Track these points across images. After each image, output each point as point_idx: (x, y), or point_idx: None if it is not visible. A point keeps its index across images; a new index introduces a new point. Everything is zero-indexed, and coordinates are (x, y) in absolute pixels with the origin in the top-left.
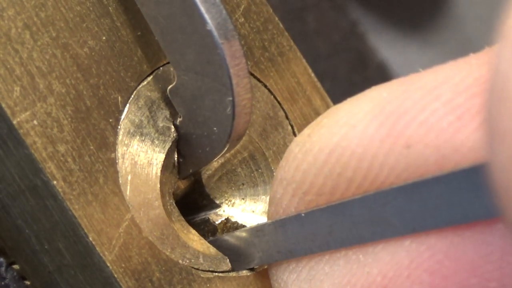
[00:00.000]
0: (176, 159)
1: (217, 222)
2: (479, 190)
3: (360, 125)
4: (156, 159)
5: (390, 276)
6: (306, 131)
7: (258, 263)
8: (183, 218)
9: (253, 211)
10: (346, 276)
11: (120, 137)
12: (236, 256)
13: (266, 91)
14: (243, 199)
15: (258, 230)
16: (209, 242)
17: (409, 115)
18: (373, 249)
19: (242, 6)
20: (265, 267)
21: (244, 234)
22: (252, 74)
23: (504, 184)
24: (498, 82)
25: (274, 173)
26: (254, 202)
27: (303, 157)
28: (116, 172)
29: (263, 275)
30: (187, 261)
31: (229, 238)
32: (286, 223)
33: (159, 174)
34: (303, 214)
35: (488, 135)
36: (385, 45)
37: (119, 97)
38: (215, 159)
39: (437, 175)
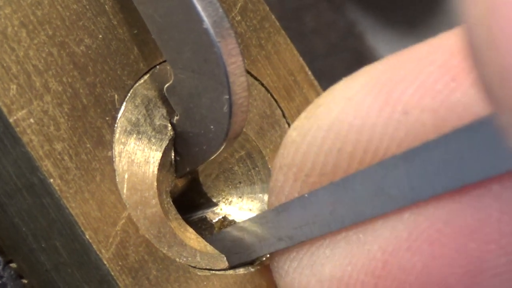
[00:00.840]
0: (173, 157)
1: (214, 221)
2: (477, 149)
3: (357, 97)
4: (153, 157)
5: (390, 250)
6: (303, 114)
7: (259, 253)
8: (180, 217)
9: (250, 210)
10: (347, 256)
11: (117, 135)
12: (238, 248)
13: (263, 89)
14: (240, 197)
15: (261, 217)
16: (211, 237)
17: (405, 82)
18: (373, 226)
19: (239, 4)
20: (262, 261)
21: (247, 223)
22: (249, 72)
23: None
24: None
25: (272, 165)
26: (251, 200)
27: (301, 139)
28: (113, 170)
29: (260, 273)
30: (184, 259)
31: (230, 229)
32: (289, 206)
33: (156, 172)
34: (306, 195)
35: (479, 62)
36: (383, 45)
37: (116, 96)
38: (212, 158)
39: (434, 139)
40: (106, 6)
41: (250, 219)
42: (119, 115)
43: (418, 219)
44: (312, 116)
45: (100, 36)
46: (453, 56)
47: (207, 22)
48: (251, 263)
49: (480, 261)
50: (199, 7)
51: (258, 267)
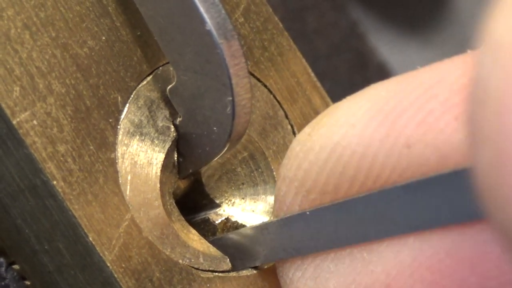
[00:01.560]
0: (176, 158)
1: (217, 222)
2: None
3: (359, 124)
4: (156, 159)
5: (394, 274)
6: (307, 129)
7: (263, 260)
8: (183, 218)
9: (253, 211)
10: (351, 274)
11: (119, 137)
12: (241, 254)
13: (266, 90)
14: (243, 198)
15: (263, 228)
16: (213, 240)
17: (407, 115)
18: (378, 247)
19: (242, 6)
20: (265, 267)
21: (249, 231)
22: (251, 74)
23: (487, 187)
24: (479, 86)
25: (275, 172)
26: (254, 201)
27: (304, 156)
28: (116, 172)
29: (264, 275)
30: (187, 260)
31: (234, 235)
32: (291, 221)
33: (159, 173)
34: (308, 213)
35: (470, 139)
36: (385, 45)
37: (119, 97)
38: (215, 159)
39: (438, 174)
40: (109, 8)
41: (252, 228)
42: (122, 116)
43: (422, 246)
44: (316, 135)
45: (103, 37)
46: (455, 93)
47: (209, 23)
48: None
49: None
50: (202, 9)
51: (262, 270)
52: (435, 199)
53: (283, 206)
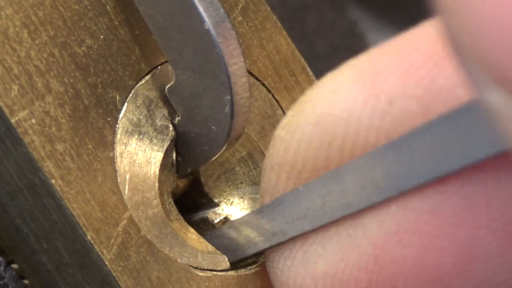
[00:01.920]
0: (174, 158)
1: (215, 221)
2: (463, 135)
3: (342, 90)
4: (154, 158)
5: (380, 244)
6: (290, 112)
7: (254, 249)
8: (181, 217)
9: (252, 210)
10: (338, 253)
11: (118, 136)
12: (235, 245)
13: (264, 89)
14: (241, 197)
15: (257, 212)
16: (209, 235)
17: (388, 71)
18: (362, 221)
19: (240, 5)
20: (264, 261)
21: (242, 219)
22: (250, 73)
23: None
24: None
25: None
26: (253, 201)
27: (290, 136)
28: (115, 171)
29: (262, 273)
30: (186, 259)
31: (227, 227)
32: (284, 200)
33: (157, 173)
34: (300, 188)
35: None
36: None
37: (117, 96)
38: (214, 158)
39: (419, 127)
40: (107, 7)
41: (246, 215)
42: (121, 115)
43: (405, 212)
44: (299, 113)
45: (102, 36)
46: (435, 42)
47: (208, 22)
48: (253, 263)
49: (472, 247)
50: (200, 8)
51: (260, 268)
52: (418, 152)
53: (277, 195)
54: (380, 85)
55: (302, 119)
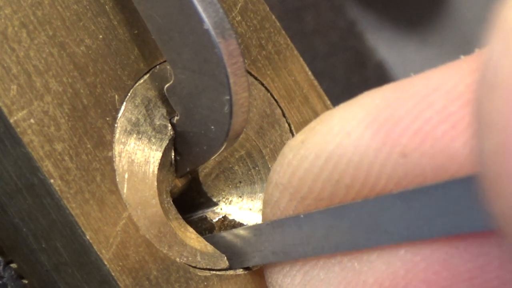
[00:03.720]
0: (173, 157)
1: (214, 220)
2: (474, 200)
3: (355, 133)
4: (153, 157)
5: (387, 285)
6: (299, 136)
7: (253, 263)
8: (180, 216)
9: (251, 209)
10: (341, 283)
11: (117, 136)
12: (232, 254)
13: (263, 89)
14: (240, 197)
15: (256, 229)
16: (205, 238)
17: (403, 124)
18: (368, 257)
19: (239, 5)
20: (254, 269)
21: (241, 232)
22: (249, 73)
23: (497, 192)
24: (489, 71)
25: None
26: (252, 200)
27: (298, 163)
28: (113, 170)
29: (261, 274)
30: (185, 259)
31: (226, 235)
32: (284, 223)
33: (156, 172)
34: (302, 216)
35: (476, 127)
36: (383, 44)
37: (116, 96)
38: (213, 158)
39: (434, 184)
40: (106, 7)
41: (244, 228)
42: (119, 115)
43: (415, 258)
44: (310, 143)
45: (101, 36)
46: (452, 101)
47: (207, 22)
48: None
49: None
50: (199, 8)
51: (258, 269)
52: (429, 209)
53: (277, 211)
54: (394, 136)
55: (312, 151)
